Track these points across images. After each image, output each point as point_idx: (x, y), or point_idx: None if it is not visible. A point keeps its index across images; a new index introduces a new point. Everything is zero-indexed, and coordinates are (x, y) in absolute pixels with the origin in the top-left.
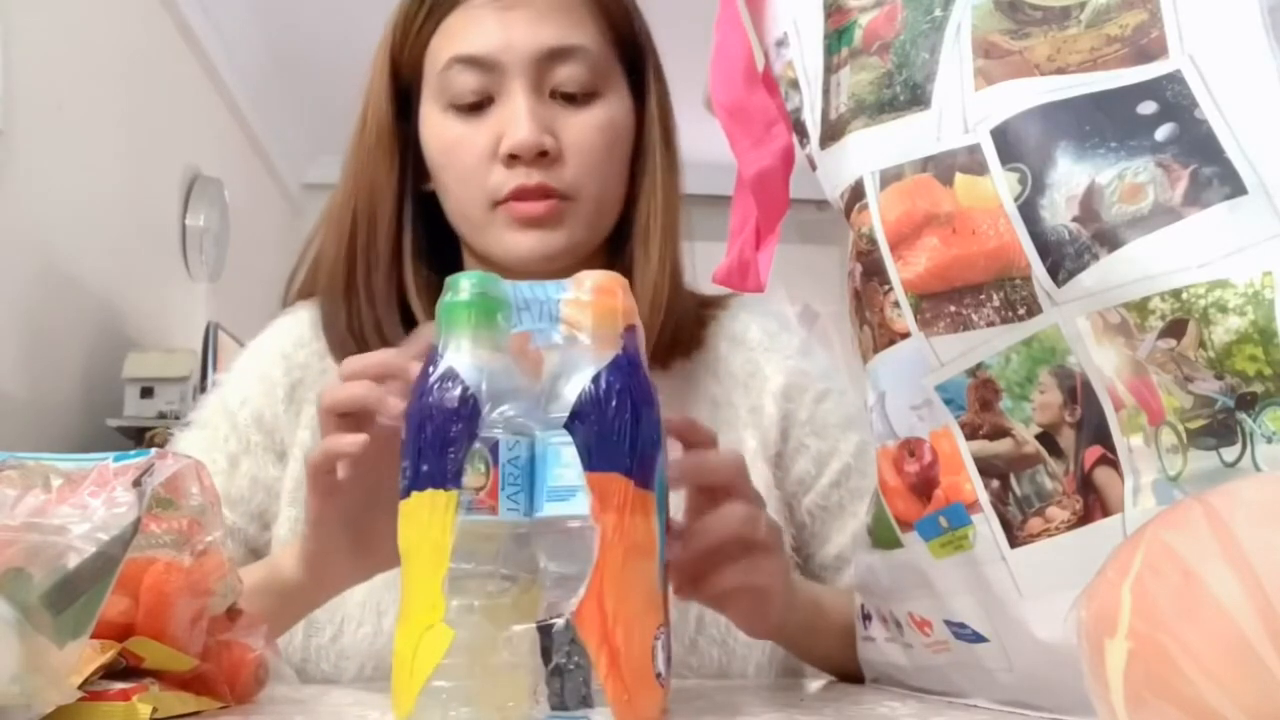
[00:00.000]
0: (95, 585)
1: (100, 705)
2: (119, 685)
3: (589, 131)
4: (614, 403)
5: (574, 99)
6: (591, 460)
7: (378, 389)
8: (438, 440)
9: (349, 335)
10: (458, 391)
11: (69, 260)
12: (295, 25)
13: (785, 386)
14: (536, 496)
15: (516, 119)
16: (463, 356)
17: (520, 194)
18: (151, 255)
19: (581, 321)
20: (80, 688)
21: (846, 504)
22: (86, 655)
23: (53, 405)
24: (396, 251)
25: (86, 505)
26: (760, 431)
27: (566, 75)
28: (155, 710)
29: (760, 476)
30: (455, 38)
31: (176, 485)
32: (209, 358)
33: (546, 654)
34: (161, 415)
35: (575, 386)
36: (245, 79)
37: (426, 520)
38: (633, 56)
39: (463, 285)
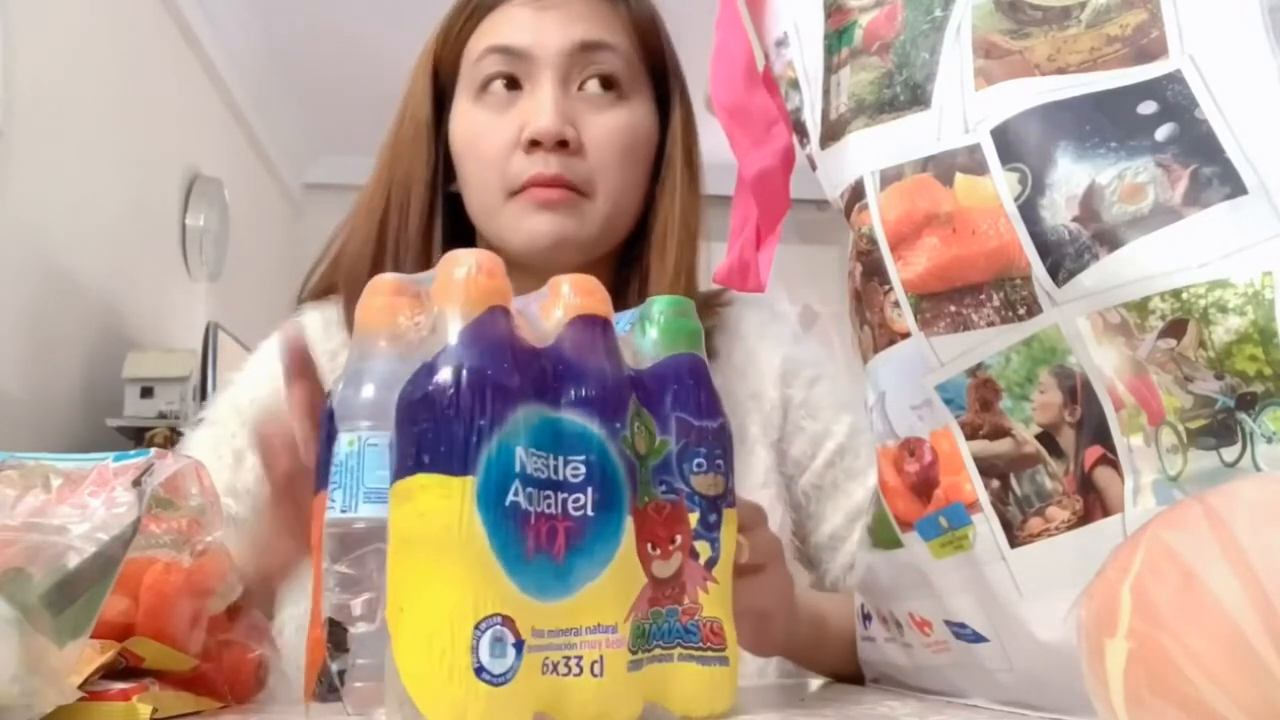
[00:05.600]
0: (95, 585)
1: (100, 705)
2: (119, 685)
3: (610, 131)
4: None
5: (600, 98)
6: None
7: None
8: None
9: None
10: None
11: (69, 261)
12: (295, 25)
13: (782, 372)
14: None
15: (541, 107)
16: None
17: (537, 180)
18: (151, 255)
19: None
20: (80, 688)
21: (840, 483)
22: (86, 655)
23: (53, 405)
24: (427, 241)
25: (86, 505)
26: (761, 417)
27: (595, 69)
28: (155, 710)
29: (761, 462)
30: (491, 32)
31: (176, 485)
32: (209, 358)
33: None
34: (161, 415)
35: None
36: (245, 79)
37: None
38: (659, 72)
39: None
